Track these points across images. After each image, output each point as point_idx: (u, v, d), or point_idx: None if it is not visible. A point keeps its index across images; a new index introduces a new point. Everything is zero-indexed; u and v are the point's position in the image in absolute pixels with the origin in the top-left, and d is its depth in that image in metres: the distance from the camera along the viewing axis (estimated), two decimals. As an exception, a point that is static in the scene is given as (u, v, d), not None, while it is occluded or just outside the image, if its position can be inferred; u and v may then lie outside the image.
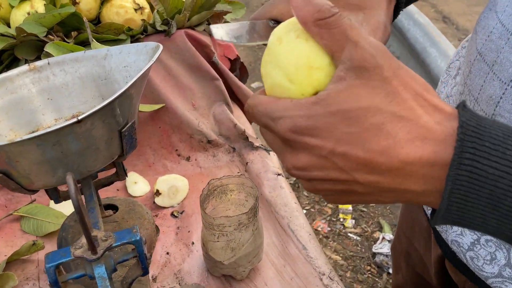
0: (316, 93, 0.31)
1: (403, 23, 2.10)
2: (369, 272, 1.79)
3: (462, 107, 0.29)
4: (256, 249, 0.67)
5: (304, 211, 1.96)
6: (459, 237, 0.59)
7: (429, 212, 0.65)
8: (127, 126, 0.56)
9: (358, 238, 1.94)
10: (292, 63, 0.32)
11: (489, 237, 0.56)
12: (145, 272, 0.54)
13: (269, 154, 0.92)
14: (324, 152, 0.29)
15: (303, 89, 0.32)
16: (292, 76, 0.32)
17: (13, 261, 0.70)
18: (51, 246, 0.75)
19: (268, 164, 0.90)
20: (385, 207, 2.09)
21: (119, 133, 0.55)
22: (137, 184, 0.88)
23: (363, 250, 1.88)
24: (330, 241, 1.92)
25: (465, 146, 0.27)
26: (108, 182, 0.66)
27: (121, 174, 0.66)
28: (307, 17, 0.30)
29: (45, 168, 0.51)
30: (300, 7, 0.30)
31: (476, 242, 0.57)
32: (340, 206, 2.08)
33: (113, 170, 0.67)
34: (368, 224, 2.01)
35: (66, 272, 0.54)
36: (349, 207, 2.07)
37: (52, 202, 0.83)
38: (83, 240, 0.50)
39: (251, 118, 0.34)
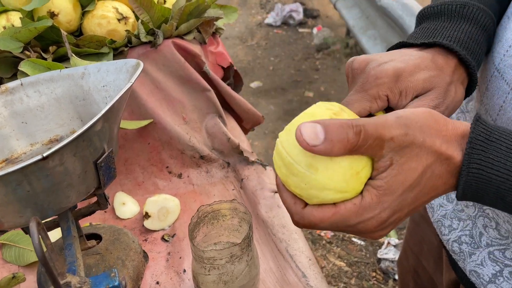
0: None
1: (407, 24, 2.04)
2: (374, 278, 1.74)
3: (475, 121, 0.36)
4: (252, 280, 0.62)
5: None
6: (479, 268, 0.54)
7: (443, 231, 0.61)
8: (104, 156, 0.50)
9: (363, 243, 1.89)
10: (341, 180, 0.34)
11: None
12: (126, 318, 0.49)
13: (265, 169, 0.87)
14: (403, 216, 0.37)
15: (356, 190, 0.35)
16: (345, 188, 0.35)
17: (-9, 297, 0.66)
18: (33, 277, 0.70)
19: (265, 180, 0.84)
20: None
21: (95, 164, 0.50)
22: (125, 205, 0.83)
23: (367, 255, 1.83)
24: (334, 246, 1.87)
25: (472, 158, 0.34)
26: (88, 212, 0.61)
27: (102, 203, 0.61)
28: (343, 152, 0.33)
29: (12, 209, 0.46)
30: (330, 148, 0.33)
31: (498, 274, 0.52)
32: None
33: (95, 198, 0.62)
34: (372, 227, 1.95)
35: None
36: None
37: (35, 227, 0.78)
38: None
39: (313, 228, 0.38)
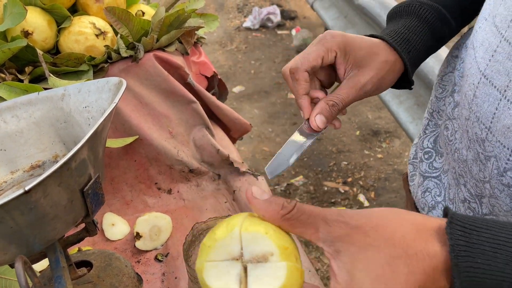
0: None
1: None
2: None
3: (449, 223, 0.32)
4: (251, 298, 0.60)
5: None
6: None
7: None
8: (90, 182, 0.48)
9: (355, 242, 1.88)
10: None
11: None
12: None
13: (257, 179, 0.85)
14: None
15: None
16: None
17: (-23, 336, 0.62)
18: (22, 311, 0.66)
19: (257, 191, 0.82)
20: (380, 206, 2.04)
21: (81, 192, 0.47)
22: (115, 226, 0.80)
23: (361, 254, 1.83)
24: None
25: (461, 267, 0.31)
26: (77, 240, 0.58)
27: (91, 230, 0.58)
28: (275, 216, 0.34)
29: (-5, 246, 0.43)
30: (265, 208, 0.34)
31: None
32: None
33: (83, 224, 0.59)
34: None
35: None
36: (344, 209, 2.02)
37: (20, 257, 0.75)
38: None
39: None
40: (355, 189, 2.15)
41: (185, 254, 0.58)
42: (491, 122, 0.44)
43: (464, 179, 0.54)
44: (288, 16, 3.72)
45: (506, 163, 0.45)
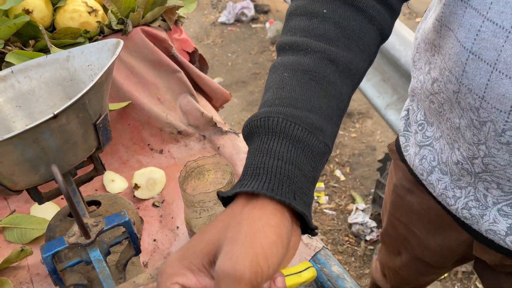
0: None
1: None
2: (347, 242, 1.87)
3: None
4: (238, 221, 0.72)
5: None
6: (493, 225, 0.60)
7: (449, 202, 0.65)
8: (101, 118, 0.58)
9: (334, 212, 2.02)
10: None
11: None
12: (138, 251, 0.57)
13: (238, 136, 0.97)
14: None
15: None
16: None
17: (3, 270, 0.71)
18: (38, 251, 0.76)
19: (239, 145, 0.94)
20: (355, 179, 2.19)
21: (94, 126, 0.58)
22: (114, 181, 0.90)
23: (339, 223, 1.96)
24: (308, 219, 1.99)
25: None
26: (88, 178, 0.69)
27: (99, 169, 0.68)
28: None
29: (27, 167, 0.53)
30: None
31: None
32: (313, 185, 2.15)
33: (91, 167, 0.69)
34: (341, 198, 2.09)
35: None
36: (321, 184, 2.15)
37: (32, 209, 0.84)
38: (75, 228, 0.53)
39: None
40: (331, 166, 2.29)
41: (181, 184, 0.69)
42: (484, 92, 0.48)
43: (458, 143, 0.58)
44: (261, 10, 3.85)
45: (505, 125, 0.49)
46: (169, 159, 0.96)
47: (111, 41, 0.67)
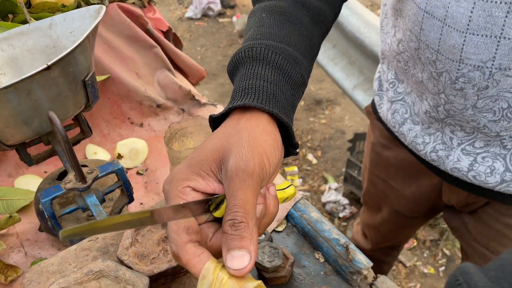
0: None
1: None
2: (322, 220, 1.94)
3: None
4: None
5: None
6: (457, 163, 0.67)
7: (419, 148, 0.71)
8: (89, 75, 0.61)
9: (308, 193, 2.09)
10: None
11: (484, 154, 0.64)
12: (131, 198, 0.60)
13: (216, 107, 1.01)
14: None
15: None
16: None
17: (-8, 236, 0.73)
18: (26, 219, 0.77)
19: (217, 115, 0.98)
20: (326, 162, 2.26)
21: (83, 82, 0.61)
22: (97, 154, 0.92)
23: (313, 203, 2.03)
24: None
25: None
26: (75, 141, 0.71)
27: (86, 131, 0.71)
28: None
29: (22, 119, 0.55)
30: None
31: (473, 162, 0.65)
32: (286, 169, 2.21)
33: (78, 130, 0.72)
34: (314, 180, 2.16)
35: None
36: (295, 168, 2.22)
37: (16, 182, 0.85)
38: (71, 176, 0.56)
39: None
40: (304, 150, 2.36)
41: (166, 143, 0.72)
42: (439, 46, 0.55)
43: (425, 95, 0.66)
44: (227, 5, 3.88)
45: (457, 73, 0.56)
46: (149, 132, 0.99)
47: (93, 7, 0.69)
